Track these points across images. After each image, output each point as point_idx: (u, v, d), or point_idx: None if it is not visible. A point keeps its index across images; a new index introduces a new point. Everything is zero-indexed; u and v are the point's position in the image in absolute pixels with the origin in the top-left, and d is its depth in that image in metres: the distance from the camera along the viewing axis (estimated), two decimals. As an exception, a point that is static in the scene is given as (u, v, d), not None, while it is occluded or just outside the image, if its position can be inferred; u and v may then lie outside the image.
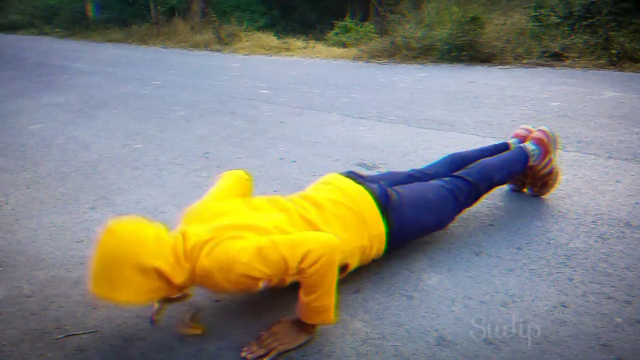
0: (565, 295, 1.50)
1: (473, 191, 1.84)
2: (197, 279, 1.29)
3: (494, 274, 1.63)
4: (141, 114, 4.44)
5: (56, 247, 1.96)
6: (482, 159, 1.97)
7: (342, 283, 1.59)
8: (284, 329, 1.35)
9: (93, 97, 5.31)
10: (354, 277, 1.63)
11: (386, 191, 1.66)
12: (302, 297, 1.31)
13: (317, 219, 1.47)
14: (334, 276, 1.30)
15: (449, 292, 1.55)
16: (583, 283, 1.55)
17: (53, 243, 1.99)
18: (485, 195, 1.96)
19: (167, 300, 1.36)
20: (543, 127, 2.11)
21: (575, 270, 1.63)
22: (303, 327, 1.34)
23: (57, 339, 1.40)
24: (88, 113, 4.53)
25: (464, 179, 1.83)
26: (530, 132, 2.13)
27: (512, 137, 2.18)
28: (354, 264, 1.54)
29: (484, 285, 1.57)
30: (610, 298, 1.47)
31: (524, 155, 2.03)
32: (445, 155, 2.07)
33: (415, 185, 1.79)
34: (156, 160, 3.05)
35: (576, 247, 1.77)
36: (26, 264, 1.84)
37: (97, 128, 3.94)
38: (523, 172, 2.12)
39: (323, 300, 1.30)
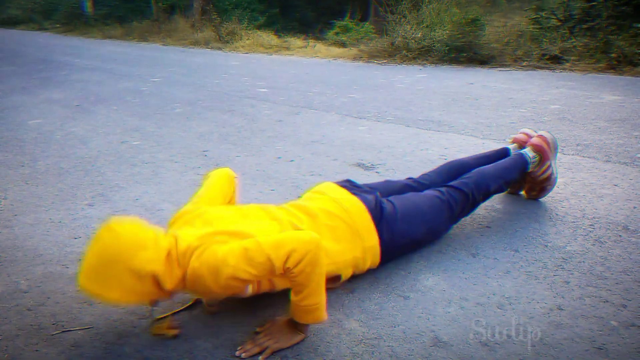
0: (562, 298, 1.50)
1: (468, 202, 1.85)
2: (187, 284, 1.30)
3: (490, 275, 1.63)
4: (140, 110, 4.43)
5: (53, 243, 1.96)
6: (479, 168, 1.96)
7: (338, 283, 1.60)
8: (278, 327, 1.36)
9: (92, 93, 5.31)
10: (350, 277, 1.63)
11: (381, 203, 1.65)
12: (292, 296, 1.32)
13: (309, 229, 1.46)
14: (320, 274, 1.30)
15: (445, 293, 1.55)
16: (579, 286, 1.56)
17: (50, 239, 1.99)
18: (482, 203, 1.98)
19: (153, 304, 1.36)
20: (543, 132, 2.10)
21: (571, 273, 1.63)
22: (297, 326, 1.35)
23: (53, 334, 1.40)
24: (87, 109, 4.52)
25: (459, 190, 1.83)
26: (530, 136, 2.12)
27: (512, 143, 2.18)
28: (347, 274, 1.55)
29: (480, 286, 1.57)
30: (607, 301, 1.48)
31: (523, 163, 2.03)
32: (442, 164, 2.07)
33: (410, 195, 1.79)
34: (154, 158, 3.04)
35: (573, 250, 1.77)
36: (23, 259, 1.83)
37: (96, 124, 3.94)
38: (521, 178, 2.12)
39: (311, 298, 1.30)
